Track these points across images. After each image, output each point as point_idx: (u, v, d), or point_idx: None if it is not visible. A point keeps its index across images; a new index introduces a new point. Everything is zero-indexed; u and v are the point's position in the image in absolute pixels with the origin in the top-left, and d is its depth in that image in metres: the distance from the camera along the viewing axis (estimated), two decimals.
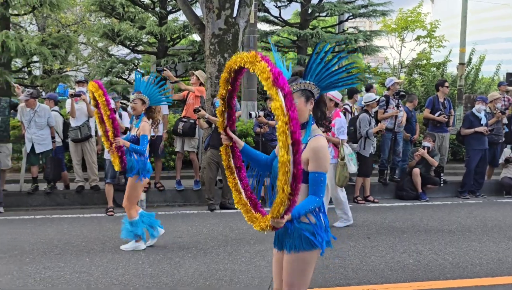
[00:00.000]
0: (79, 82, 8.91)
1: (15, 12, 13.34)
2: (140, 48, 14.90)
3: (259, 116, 8.22)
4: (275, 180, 2.58)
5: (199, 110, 7.53)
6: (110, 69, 13.74)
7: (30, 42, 11.97)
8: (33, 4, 12.12)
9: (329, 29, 16.26)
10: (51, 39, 13.03)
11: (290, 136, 2.33)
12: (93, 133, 8.48)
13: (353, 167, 6.92)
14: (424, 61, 20.72)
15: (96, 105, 5.44)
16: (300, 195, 2.55)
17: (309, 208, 2.66)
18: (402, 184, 9.24)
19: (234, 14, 9.07)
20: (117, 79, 14.21)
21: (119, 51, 17.35)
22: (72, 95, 8.24)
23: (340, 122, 6.84)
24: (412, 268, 5.18)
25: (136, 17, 13.82)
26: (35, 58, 13.27)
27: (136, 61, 15.34)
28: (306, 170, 2.68)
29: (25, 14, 14.25)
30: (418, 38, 22.91)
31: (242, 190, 3.02)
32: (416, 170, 9.06)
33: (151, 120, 5.79)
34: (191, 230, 6.79)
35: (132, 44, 14.18)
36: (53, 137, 8.48)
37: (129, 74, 14.91)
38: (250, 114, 8.16)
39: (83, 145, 8.37)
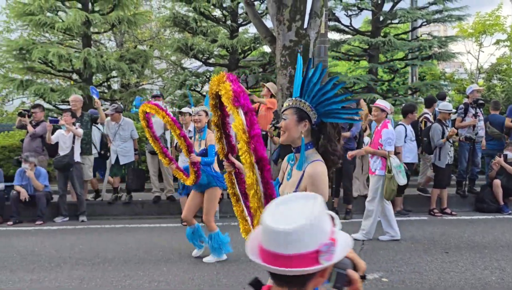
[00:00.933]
0: (154, 97, 9.24)
1: (96, 30, 14.07)
2: (212, 60, 15.23)
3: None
4: None
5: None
6: (183, 82, 14.14)
7: (110, 58, 12.58)
8: (112, 22, 12.76)
9: (402, 36, 15.88)
10: (129, 54, 13.64)
11: (254, 154, 2.28)
12: (168, 145, 8.77)
13: (402, 180, 6.65)
14: (505, 66, 19.74)
15: (148, 125, 5.36)
16: None
17: None
18: (482, 196, 8.81)
19: (305, 26, 9.09)
20: (190, 91, 14.60)
21: (192, 64, 17.83)
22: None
23: (387, 133, 6.63)
24: (495, 286, 4.92)
25: (208, 31, 14.16)
26: (114, 73, 13.92)
27: (208, 74, 15.71)
28: None
29: (104, 32, 15.00)
30: (497, 42, 21.89)
31: (248, 218, 2.94)
32: (497, 181, 8.63)
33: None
34: None
35: (204, 57, 14.52)
36: (135, 150, 8.88)
37: (202, 87, 15.27)
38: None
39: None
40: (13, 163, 9.34)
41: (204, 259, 5.87)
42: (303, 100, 2.52)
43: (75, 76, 14.00)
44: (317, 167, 2.51)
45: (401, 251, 6.20)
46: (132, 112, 9.74)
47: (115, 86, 16.82)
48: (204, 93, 15.06)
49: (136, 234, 7.31)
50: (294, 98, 2.56)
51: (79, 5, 13.11)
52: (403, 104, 9.67)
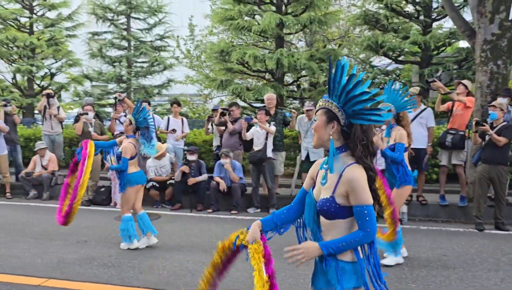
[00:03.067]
0: None
1: (288, 31, 14.62)
2: (402, 58, 14.77)
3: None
4: (308, 215, 2.52)
5: None
6: (372, 80, 13.97)
7: (300, 58, 12.98)
8: (304, 23, 13.14)
9: None
10: (318, 54, 13.90)
11: None
12: None
13: None
14: None
15: None
16: (338, 233, 2.41)
17: (347, 242, 2.35)
18: None
19: (510, 17, 8.26)
20: (379, 90, 14.32)
21: (381, 62, 17.48)
22: None
23: None
24: None
25: (400, 28, 13.75)
26: (304, 72, 14.32)
27: (398, 72, 15.24)
28: (341, 204, 2.38)
29: (296, 32, 15.51)
30: None
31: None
32: None
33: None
34: (456, 249, 6.41)
35: (395, 55, 14.13)
36: None
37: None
38: None
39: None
40: (214, 157, 10.23)
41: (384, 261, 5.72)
42: (330, 100, 2.42)
43: (268, 76, 14.75)
44: (355, 171, 2.36)
45: None
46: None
47: (305, 85, 17.30)
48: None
49: None
50: (323, 99, 2.47)
51: (274, 8, 13.77)
52: None
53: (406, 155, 5.69)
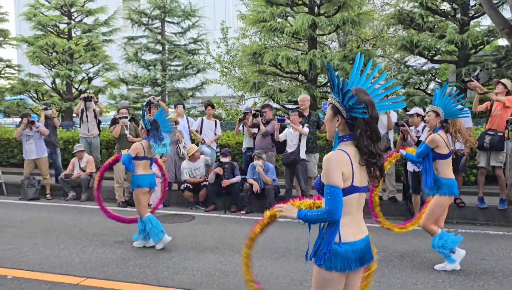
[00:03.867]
0: None
1: (321, 32, 14.55)
2: (438, 57, 14.51)
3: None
4: None
5: None
6: (407, 81, 13.76)
7: (333, 59, 12.90)
8: (337, 23, 13.05)
9: None
10: (352, 54, 13.78)
11: None
12: (391, 145, 8.62)
13: None
14: None
15: None
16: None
17: (316, 214, 2.65)
18: None
19: None
20: (414, 90, 14.13)
21: (416, 61, 17.21)
22: None
23: None
24: None
25: (436, 26, 13.51)
26: (337, 73, 14.22)
27: (434, 71, 14.96)
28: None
29: (329, 33, 15.42)
30: None
31: None
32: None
33: (448, 134, 5.53)
34: (496, 253, 6.25)
35: (430, 54, 13.89)
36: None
37: (427, 85, 14.64)
38: None
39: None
40: (244, 159, 10.26)
41: (436, 267, 5.63)
42: (333, 96, 2.73)
43: (301, 77, 14.72)
44: (330, 154, 2.66)
45: None
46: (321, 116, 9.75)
47: None
48: (429, 92, 14.41)
49: (375, 234, 7.35)
50: (331, 96, 2.77)
51: (306, 9, 13.74)
52: None
53: (445, 162, 5.52)
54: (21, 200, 10.64)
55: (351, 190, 2.65)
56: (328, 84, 15.63)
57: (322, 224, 2.72)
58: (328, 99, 2.80)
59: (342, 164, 2.62)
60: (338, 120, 2.72)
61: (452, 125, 5.50)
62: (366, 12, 14.47)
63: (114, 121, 10.38)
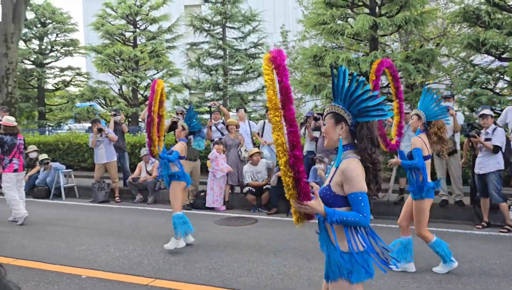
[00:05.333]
0: (445, 98, 8.92)
1: (382, 32, 14.34)
2: (507, 55, 13.92)
3: None
4: None
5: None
6: (473, 80, 13.30)
7: (396, 59, 12.68)
8: (399, 23, 12.82)
9: None
10: (415, 54, 13.49)
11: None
12: (458, 148, 8.39)
13: None
14: None
15: None
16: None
17: (349, 219, 2.59)
18: None
19: None
20: (481, 89, 13.63)
21: (483, 60, 16.58)
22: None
23: None
24: None
25: (504, 23, 12.97)
26: (399, 74, 13.96)
27: (502, 70, 14.37)
28: (336, 192, 2.68)
29: (391, 33, 15.18)
30: None
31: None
32: None
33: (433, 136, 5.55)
34: None
35: (498, 52, 13.35)
36: None
37: (495, 85, 14.08)
38: None
39: (448, 159, 8.38)
40: (307, 162, 10.27)
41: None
42: (336, 104, 2.72)
43: (362, 79, 14.53)
44: (350, 163, 2.66)
45: None
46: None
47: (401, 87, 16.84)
48: (498, 91, 13.86)
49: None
50: (330, 104, 2.77)
51: (367, 10, 13.59)
52: None
53: (427, 164, 5.53)
54: (92, 202, 11.17)
55: None
56: (389, 86, 15.40)
57: (350, 235, 2.67)
58: (326, 108, 2.81)
59: (362, 170, 2.67)
60: (342, 128, 2.73)
61: (435, 125, 5.55)
62: (429, 10, 14.13)
63: (172, 126, 10.74)
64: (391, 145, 6.05)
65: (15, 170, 9.00)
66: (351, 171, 2.62)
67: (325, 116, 2.79)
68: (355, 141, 2.74)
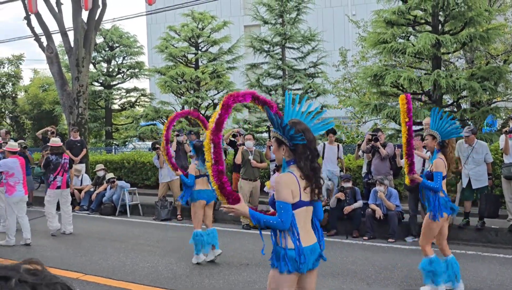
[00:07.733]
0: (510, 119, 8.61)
1: (445, 50, 14.02)
2: None
3: None
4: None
5: None
6: None
7: (460, 78, 12.34)
8: (463, 40, 12.50)
9: None
10: (480, 72, 13.08)
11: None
12: None
13: None
14: None
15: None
16: None
17: (270, 222, 3.12)
18: None
19: None
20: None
21: None
22: (506, 132, 8.08)
23: None
24: None
25: None
26: (464, 93, 13.57)
27: None
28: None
29: (455, 51, 14.79)
30: None
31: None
32: None
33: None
34: None
35: None
36: (489, 174, 8.48)
37: None
38: None
39: None
40: (364, 185, 10.14)
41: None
42: (275, 131, 3.28)
43: (424, 98, 14.25)
44: (282, 176, 3.23)
45: None
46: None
47: (465, 105, 16.34)
48: None
49: (490, 264, 6.94)
50: (273, 131, 3.32)
51: (429, 28, 13.34)
52: None
53: (444, 183, 5.57)
54: (155, 220, 11.48)
55: (299, 204, 3.18)
56: (453, 104, 14.97)
57: (277, 234, 3.23)
58: (271, 134, 3.40)
59: (290, 183, 3.17)
60: (283, 149, 3.28)
61: (450, 146, 5.62)
62: (496, 26, 13.68)
63: (235, 149, 10.97)
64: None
65: (58, 187, 9.77)
66: (277, 183, 3.19)
67: (272, 138, 3.38)
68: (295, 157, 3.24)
